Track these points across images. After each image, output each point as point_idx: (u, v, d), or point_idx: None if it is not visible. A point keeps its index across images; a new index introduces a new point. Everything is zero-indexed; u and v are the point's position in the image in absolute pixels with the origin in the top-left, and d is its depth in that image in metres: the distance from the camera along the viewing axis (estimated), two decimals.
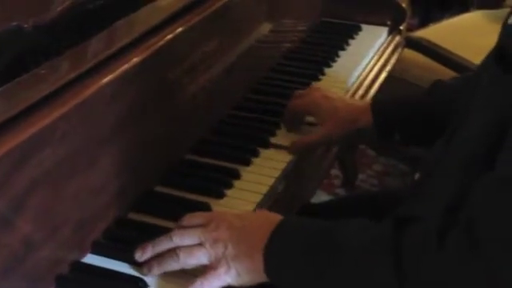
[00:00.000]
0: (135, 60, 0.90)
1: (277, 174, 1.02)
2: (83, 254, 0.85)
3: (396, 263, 0.69)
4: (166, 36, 0.98)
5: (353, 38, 1.47)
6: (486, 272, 0.65)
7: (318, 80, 1.30)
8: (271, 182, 1.00)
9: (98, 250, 0.86)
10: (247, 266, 0.78)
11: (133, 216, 0.93)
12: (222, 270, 0.78)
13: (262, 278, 0.78)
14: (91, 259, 0.85)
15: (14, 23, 0.86)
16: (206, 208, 0.93)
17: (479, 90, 0.82)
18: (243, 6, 1.23)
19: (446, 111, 0.98)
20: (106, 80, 0.85)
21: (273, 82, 1.30)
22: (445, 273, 0.67)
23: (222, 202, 0.95)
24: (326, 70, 1.33)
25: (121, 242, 0.88)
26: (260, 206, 0.96)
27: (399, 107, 1.09)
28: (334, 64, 1.36)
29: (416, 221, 0.72)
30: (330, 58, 1.37)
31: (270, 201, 0.98)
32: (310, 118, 1.14)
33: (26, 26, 0.86)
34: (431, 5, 2.94)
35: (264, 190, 0.98)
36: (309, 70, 1.32)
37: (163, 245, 0.81)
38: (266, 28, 1.33)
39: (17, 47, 0.85)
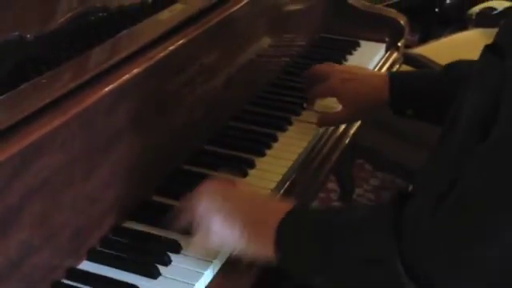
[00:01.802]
0: (135, 71, 0.92)
1: (272, 185, 1.04)
2: (79, 261, 0.87)
3: (395, 230, 0.72)
4: (166, 48, 0.99)
5: (351, 54, 1.49)
6: (476, 235, 0.68)
7: None
8: (266, 193, 1.01)
9: (94, 257, 0.88)
10: (258, 235, 0.83)
11: (130, 225, 0.94)
12: (236, 232, 0.83)
13: (267, 251, 0.82)
14: (87, 266, 0.87)
15: (16, 33, 0.87)
16: None
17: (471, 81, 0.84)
18: (244, 20, 1.24)
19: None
20: (106, 90, 0.87)
21: (271, 96, 1.31)
22: (439, 238, 0.70)
23: None
24: None
25: (117, 250, 0.89)
26: None
27: (415, 82, 1.14)
28: None
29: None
30: None
31: None
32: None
33: (27, 35, 0.88)
34: (431, 22, 2.96)
35: None
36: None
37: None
38: (266, 42, 1.35)
39: (18, 56, 0.87)
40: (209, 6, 1.14)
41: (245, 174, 1.05)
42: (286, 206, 0.85)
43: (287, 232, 0.81)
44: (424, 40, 2.73)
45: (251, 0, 1.26)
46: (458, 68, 1.10)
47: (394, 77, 1.16)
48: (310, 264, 0.81)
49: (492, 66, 0.77)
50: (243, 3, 1.22)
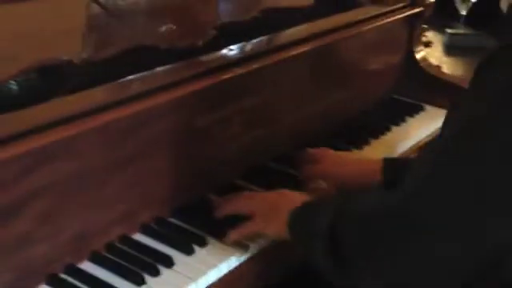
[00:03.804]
0: (161, 100, 1.02)
1: None
2: (80, 260, 0.97)
3: (337, 209, 0.90)
4: (198, 85, 1.09)
5: (412, 116, 1.51)
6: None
7: (360, 148, 1.36)
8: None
9: (95, 259, 0.98)
10: (277, 220, 0.99)
11: (138, 237, 1.04)
12: (260, 219, 1.02)
13: (282, 231, 0.98)
14: (87, 266, 0.97)
15: (67, 57, 1.01)
16: (202, 242, 1.02)
17: None
18: (315, 66, 1.33)
19: None
20: (129, 111, 0.98)
21: (319, 145, 1.34)
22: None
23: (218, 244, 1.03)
24: (371, 141, 1.39)
25: (118, 257, 0.99)
26: (255, 253, 1.04)
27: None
28: (382, 136, 1.41)
29: None
30: (379, 130, 1.42)
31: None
32: None
33: (76, 60, 1.02)
34: None
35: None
36: (354, 138, 1.38)
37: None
38: (335, 95, 1.42)
39: (64, 76, 1.01)
40: (264, 50, 1.23)
41: None
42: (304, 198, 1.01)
43: (292, 219, 0.97)
44: None
45: (327, 46, 1.35)
46: None
47: (388, 162, 1.18)
48: (303, 245, 0.96)
49: None
50: (314, 46, 1.30)
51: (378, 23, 1.48)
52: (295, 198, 1.02)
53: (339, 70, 1.44)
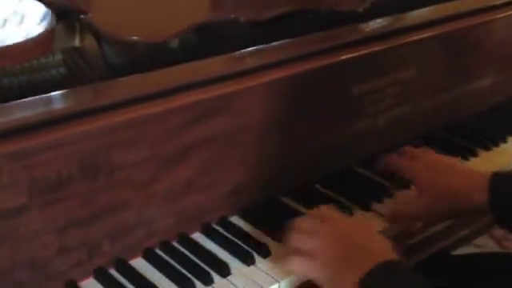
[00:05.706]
0: (315, 65, 1.02)
1: None
2: (232, 214, 1.00)
3: None
4: (356, 51, 1.07)
5: None
6: None
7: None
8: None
9: (243, 215, 1.00)
10: (336, 276, 0.81)
11: (285, 200, 1.06)
12: (318, 262, 0.83)
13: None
14: (237, 220, 0.99)
15: (233, 15, 1.03)
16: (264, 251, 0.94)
17: None
18: (471, 44, 1.28)
19: None
20: (287, 73, 0.98)
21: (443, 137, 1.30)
22: None
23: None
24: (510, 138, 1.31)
25: (266, 214, 1.00)
26: None
27: None
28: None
29: None
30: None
31: None
32: None
33: (241, 18, 1.04)
34: None
35: None
36: (493, 134, 1.31)
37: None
38: (488, 76, 1.36)
39: (229, 33, 1.03)
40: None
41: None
42: (381, 254, 0.81)
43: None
44: None
45: (489, 22, 1.29)
46: None
47: (498, 175, 0.97)
48: None
49: None
50: (475, 23, 1.26)
51: None
52: (378, 250, 0.80)
53: (496, 50, 1.37)
